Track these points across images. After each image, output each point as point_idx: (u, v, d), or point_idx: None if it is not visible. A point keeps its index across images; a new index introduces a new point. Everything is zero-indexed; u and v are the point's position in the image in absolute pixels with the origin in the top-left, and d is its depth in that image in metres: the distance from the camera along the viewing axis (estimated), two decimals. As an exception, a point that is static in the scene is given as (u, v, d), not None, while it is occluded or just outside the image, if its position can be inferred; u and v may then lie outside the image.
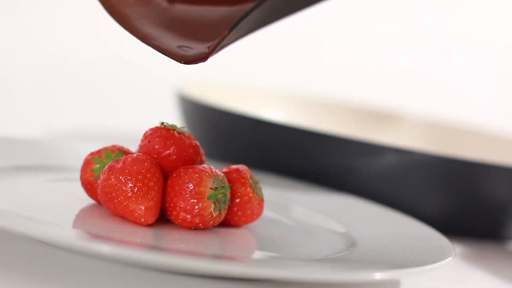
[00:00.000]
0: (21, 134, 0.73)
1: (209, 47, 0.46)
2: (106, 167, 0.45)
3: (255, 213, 0.48)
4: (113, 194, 0.44)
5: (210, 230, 0.47)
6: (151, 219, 0.45)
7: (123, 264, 0.41)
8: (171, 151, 0.47)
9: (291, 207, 0.55)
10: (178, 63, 0.47)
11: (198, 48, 0.47)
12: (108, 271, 0.41)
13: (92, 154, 0.48)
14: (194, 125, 0.67)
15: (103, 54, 1.03)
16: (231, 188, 0.47)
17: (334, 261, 0.45)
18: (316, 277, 0.41)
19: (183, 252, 0.42)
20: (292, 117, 0.80)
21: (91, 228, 0.44)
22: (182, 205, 0.45)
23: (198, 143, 0.48)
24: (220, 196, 0.46)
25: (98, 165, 0.47)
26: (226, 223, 0.48)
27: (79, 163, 0.48)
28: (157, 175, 0.45)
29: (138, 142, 0.48)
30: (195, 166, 0.46)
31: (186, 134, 0.48)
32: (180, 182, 0.45)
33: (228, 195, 0.46)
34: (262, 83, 0.92)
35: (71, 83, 0.96)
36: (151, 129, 0.48)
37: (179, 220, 0.45)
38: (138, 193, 0.44)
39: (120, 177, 0.44)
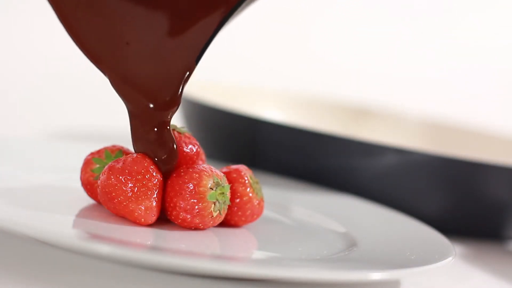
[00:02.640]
0: (21, 134, 0.73)
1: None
2: (106, 167, 0.45)
3: (255, 213, 0.48)
4: (113, 194, 0.44)
5: (210, 230, 0.47)
6: (151, 219, 0.45)
7: (123, 264, 0.41)
8: (171, 151, 0.47)
9: (291, 207, 0.55)
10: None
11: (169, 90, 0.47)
12: (108, 271, 0.41)
13: (92, 154, 0.48)
14: (194, 125, 0.67)
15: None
16: (231, 188, 0.47)
17: (334, 261, 0.45)
18: (316, 277, 0.41)
19: (183, 252, 0.42)
20: (292, 117, 0.80)
21: (91, 228, 0.44)
22: (182, 205, 0.45)
23: (198, 143, 0.48)
24: (220, 196, 0.46)
25: (98, 165, 0.47)
26: (226, 223, 0.48)
27: (79, 163, 0.48)
28: (157, 175, 0.45)
29: (138, 142, 0.48)
30: (195, 166, 0.46)
31: (186, 134, 0.48)
32: (180, 182, 0.45)
33: (228, 195, 0.46)
34: (262, 83, 0.92)
35: (71, 83, 0.96)
36: (151, 129, 0.48)
37: (179, 220, 0.45)
38: (138, 193, 0.44)
39: (120, 177, 0.44)
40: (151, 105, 0.46)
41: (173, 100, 0.47)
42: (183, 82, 0.47)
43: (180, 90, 0.47)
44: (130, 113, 0.47)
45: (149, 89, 0.46)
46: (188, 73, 0.47)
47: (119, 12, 0.46)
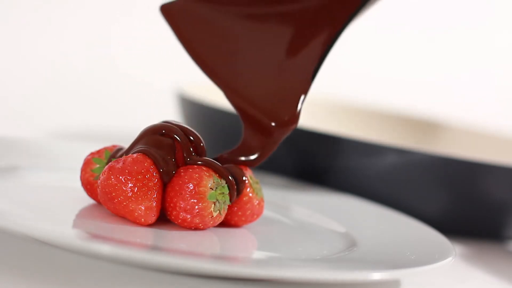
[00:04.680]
0: (21, 134, 0.73)
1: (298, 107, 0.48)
2: (106, 167, 0.45)
3: (255, 213, 0.48)
4: (113, 194, 0.44)
5: (210, 230, 0.47)
6: (151, 219, 0.45)
7: (123, 264, 0.41)
8: (171, 151, 0.47)
9: (291, 207, 0.55)
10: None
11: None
12: (108, 271, 0.41)
13: (92, 154, 0.48)
14: (194, 125, 0.67)
15: (103, 54, 1.03)
16: (231, 188, 0.47)
17: (334, 261, 0.45)
18: (316, 277, 0.41)
19: (183, 252, 0.42)
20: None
21: (91, 228, 0.44)
22: (182, 205, 0.45)
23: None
24: (220, 196, 0.46)
25: (98, 165, 0.47)
26: (226, 223, 0.48)
27: (79, 163, 0.48)
28: (157, 175, 0.45)
29: (138, 142, 0.48)
30: (195, 166, 0.46)
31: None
32: (180, 182, 0.45)
33: (228, 195, 0.46)
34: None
35: (71, 83, 0.96)
36: (151, 129, 0.48)
37: (179, 220, 0.45)
38: (138, 193, 0.44)
39: (120, 177, 0.44)
40: (273, 124, 0.48)
41: (292, 118, 0.48)
42: (300, 101, 0.48)
43: (298, 108, 0.48)
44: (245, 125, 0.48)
45: (267, 107, 0.47)
46: (304, 92, 0.48)
47: (235, 35, 0.48)
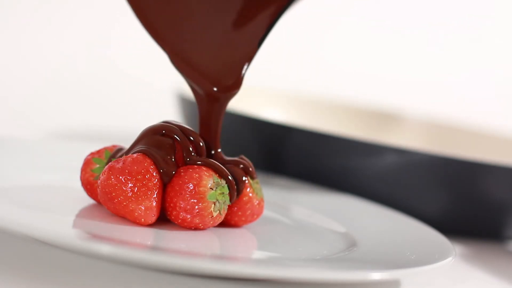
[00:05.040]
0: (21, 134, 0.73)
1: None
2: (106, 167, 0.45)
3: (255, 213, 0.48)
4: (113, 194, 0.44)
5: (210, 230, 0.47)
6: (151, 219, 0.45)
7: (123, 264, 0.41)
8: (171, 151, 0.47)
9: (291, 207, 0.55)
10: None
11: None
12: (108, 271, 0.41)
13: (92, 154, 0.48)
14: (194, 125, 0.67)
15: (103, 53, 1.03)
16: (231, 188, 0.47)
17: (334, 261, 0.45)
18: (316, 277, 0.41)
19: (183, 252, 0.42)
20: (292, 117, 0.80)
21: (91, 228, 0.44)
22: (182, 205, 0.45)
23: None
24: (220, 196, 0.46)
25: (98, 165, 0.47)
26: (226, 223, 0.48)
27: (79, 163, 0.48)
28: (157, 175, 0.45)
29: (138, 142, 0.48)
30: (195, 166, 0.46)
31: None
32: (180, 182, 0.45)
33: (228, 195, 0.46)
34: (262, 83, 0.92)
35: (72, 83, 0.96)
36: (151, 129, 0.48)
37: (179, 220, 0.45)
38: (138, 193, 0.44)
39: (120, 177, 0.44)
40: (214, 89, 0.48)
41: (235, 83, 0.48)
42: (245, 66, 0.48)
43: (242, 73, 0.48)
44: (194, 93, 0.48)
45: (210, 72, 0.48)
46: (249, 59, 0.48)
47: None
